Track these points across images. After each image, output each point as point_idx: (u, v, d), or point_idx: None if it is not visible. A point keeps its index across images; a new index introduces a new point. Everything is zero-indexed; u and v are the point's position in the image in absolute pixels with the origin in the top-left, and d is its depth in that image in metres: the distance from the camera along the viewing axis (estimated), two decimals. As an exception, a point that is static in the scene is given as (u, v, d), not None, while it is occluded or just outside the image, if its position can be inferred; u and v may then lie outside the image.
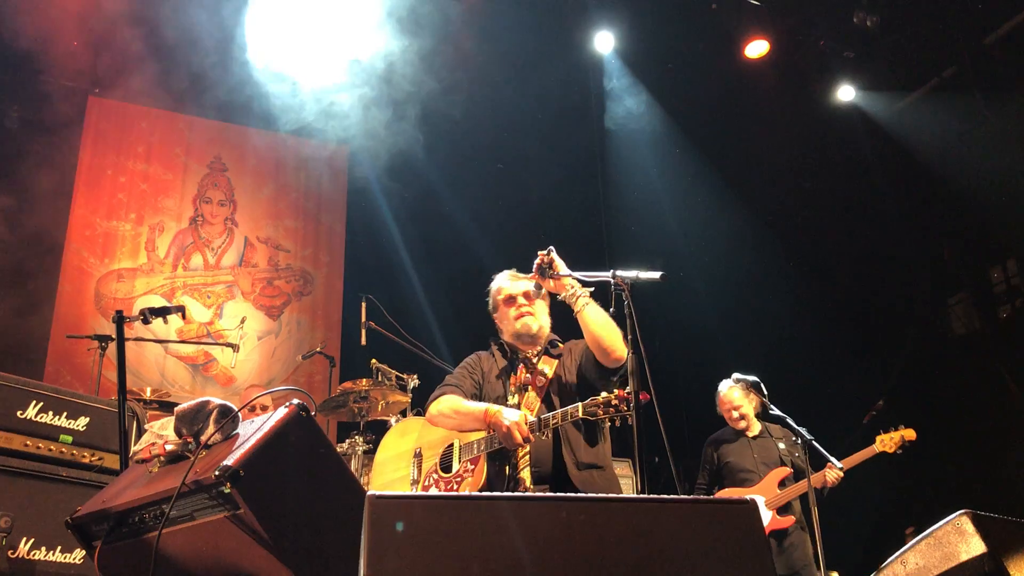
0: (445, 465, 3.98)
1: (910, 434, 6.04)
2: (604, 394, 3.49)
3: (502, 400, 4.01)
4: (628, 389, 3.38)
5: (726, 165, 9.60)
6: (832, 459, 5.55)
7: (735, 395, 6.46)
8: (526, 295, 4.12)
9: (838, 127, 9.51)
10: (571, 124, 9.89)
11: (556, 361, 4.12)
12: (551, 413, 3.66)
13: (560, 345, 4.22)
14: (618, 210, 10.19)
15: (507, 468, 3.82)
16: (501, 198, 9.42)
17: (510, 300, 4.16)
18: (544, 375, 4.03)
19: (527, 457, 3.80)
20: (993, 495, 7.79)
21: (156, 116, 9.71)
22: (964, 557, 2.03)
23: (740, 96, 9.61)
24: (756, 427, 6.51)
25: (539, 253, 3.87)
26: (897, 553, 2.20)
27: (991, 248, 8.93)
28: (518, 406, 3.93)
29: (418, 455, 4.14)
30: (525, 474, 3.79)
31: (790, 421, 5.42)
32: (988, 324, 8.90)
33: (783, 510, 6.05)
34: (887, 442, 6.04)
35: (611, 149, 10.24)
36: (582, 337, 3.91)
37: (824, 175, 9.47)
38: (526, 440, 3.63)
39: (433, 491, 3.91)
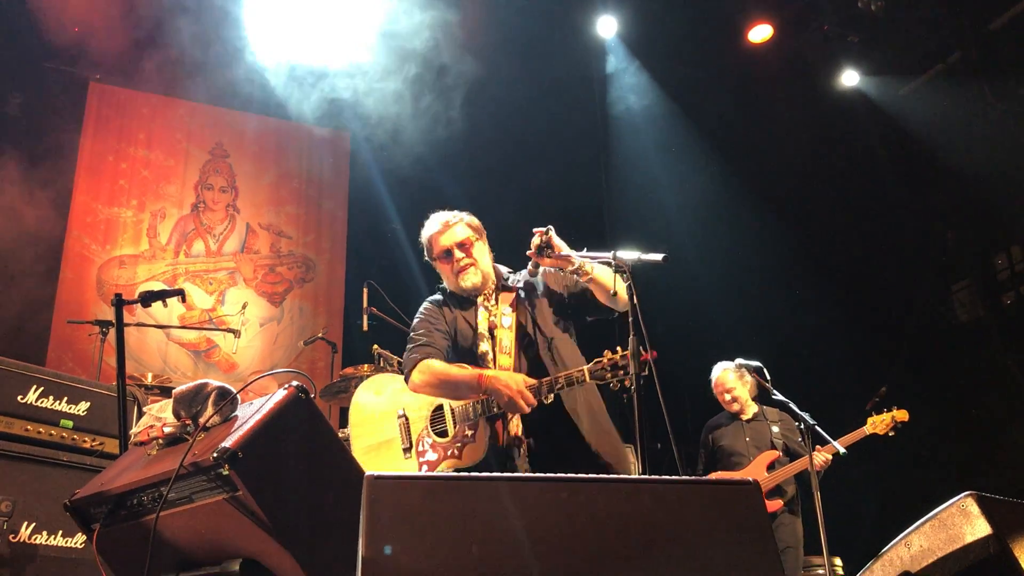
0: (439, 430, 3.80)
1: (902, 415, 6.03)
2: (608, 354, 3.43)
3: (474, 349, 3.85)
4: (620, 353, 3.34)
5: (728, 150, 9.55)
6: (836, 444, 5.55)
7: (728, 377, 6.53)
8: (461, 246, 3.94)
9: (842, 112, 9.46)
10: (574, 109, 9.85)
11: (512, 294, 3.96)
12: (555, 376, 3.54)
13: (510, 277, 4.08)
14: (619, 194, 10.15)
15: (507, 432, 3.70)
16: (502, 182, 9.37)
17: (446, 255, 3.98)
18: (506, 314, 3.88)
19: (529, 421, 3.68)
20: (996, 480, 7.78)
21: (157, 102, 9.68)
22: (969, 539, 2.01)
23: (743, 81, 9.57)
24: (750, 410, 6.56)
25: (536, 231, 3.73)
26: (901, 535, 2.18)
27: (995, 235, 8.89)
28: (493, 352, 3.80)
29: (403, 416, 3.91)
30: (524, 441, 3.69)
31: (792, 406, 5.40)
32: (992, 311, 8.87)
33: (772, 493, 6.07)
34: (879, 424, 6.02)
35: (613, 134, 10.20)
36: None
37: (827, 160, 9.42)
38: (531, 407, 3.52)
39: (431, 457, 3.76)
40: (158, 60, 9.04)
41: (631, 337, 3.27)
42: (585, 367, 3.49)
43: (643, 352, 3.29)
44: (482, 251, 4.03)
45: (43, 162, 8.50)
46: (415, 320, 4.09)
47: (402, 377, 3.98)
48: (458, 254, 3.94)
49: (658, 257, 3.42)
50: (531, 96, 9.31)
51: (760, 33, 8.97)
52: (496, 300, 3.95)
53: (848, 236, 9.32)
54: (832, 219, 9.37)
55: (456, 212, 4.10)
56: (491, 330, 3.87)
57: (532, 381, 3.56)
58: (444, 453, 3.74)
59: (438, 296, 4.16)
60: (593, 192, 10.34)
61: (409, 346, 3.96)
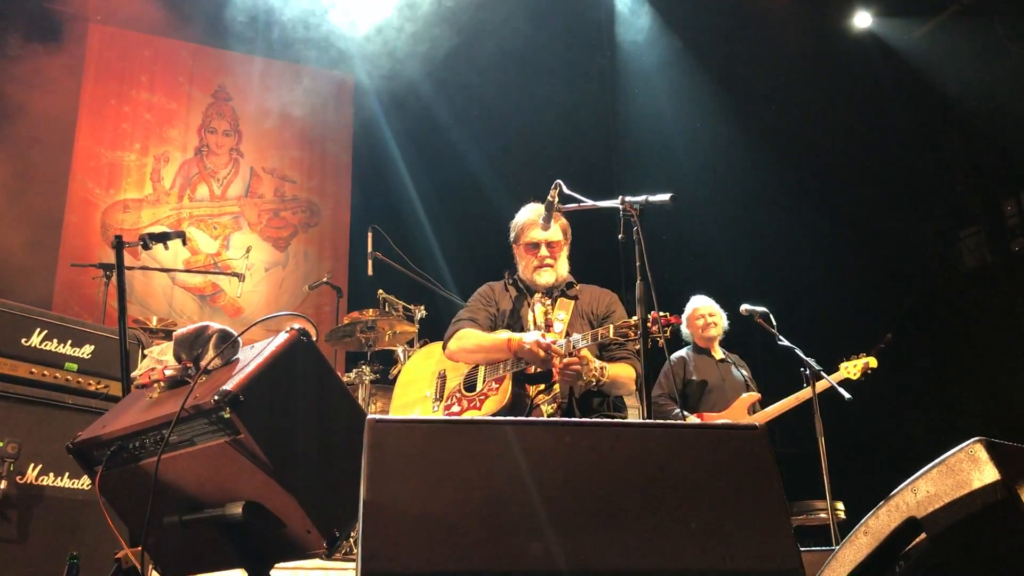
0: (469, 385, 4.00)
1: (872, 362, 6.03)
2: (635, 317, 3.48)
3: None
4: (661, 312, 3.39)
5: (738, 92, 9.43)
6: (841, 389, 5.54)
7: (713, 306, 6.48)
8: (550, 245, 4.12)
9: (854, 54, 9.31)
10: (580, 52, 9.73)
11: (572, 303, 4.15)
12: (580, 335, 3.69)
13: (576, 286, 4.25)
14: (627, 138, 10.07)
15: (529, 394, 3.86)
16: (508, 126, 9.28)
17: (533, 247, 4.16)
18: (560, 320, 4.07)
19: (554, 386, 3.85)
20: (1003, 426, 7.79)
21: (159, 44, 9.57)
22: (976, 484, 1.99)
23: (754, 21, 9.41)
24: (719, 352, 6.52)
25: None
26: (907, 481, 2.16)
27: (1005, 180, 8.79)
28: None
29: (442, 376, 4.17)
30: (545, 407, 3.83)
31: (799, 351, 5.39)
32: (1000, 257, 8.80)
33: None
34: (851, 368, 6.02)
35: (621, 76, 10.08)
36: (597, 285, 4.12)
37: (838, 103, 9.28)
38: (547, 354, 3.66)
39: (455, 409, 3.94)
40: (159, 1, 8.91)
41: (638, 282, 3.26)
42: (611, 325, 3.59)
43: (667, 315, 3.41)
44: (564, 256, 4.24)
45: (44, 105, 8.41)
46: (472, 297, 4.35)
47: None
48: (544, 251, 4.14)
49: (665, 198, 3.40)
50: (537, 39, 9.17)
51: (772, -27, 8.81)
52: (554, 304, 4.16)
53: (857, 180, 9.21)
54: (841, 162, 9.26)
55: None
56: (547, 327, 4.07)
57: (560, 341, 3.72)
58: (468, 404, 3.92)
59: (502, 281, 4.36)
60: (600, 135, 10.24)
61: (454, 320, 4.22)
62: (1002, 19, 8.40)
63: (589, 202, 3.76)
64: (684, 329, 6.59)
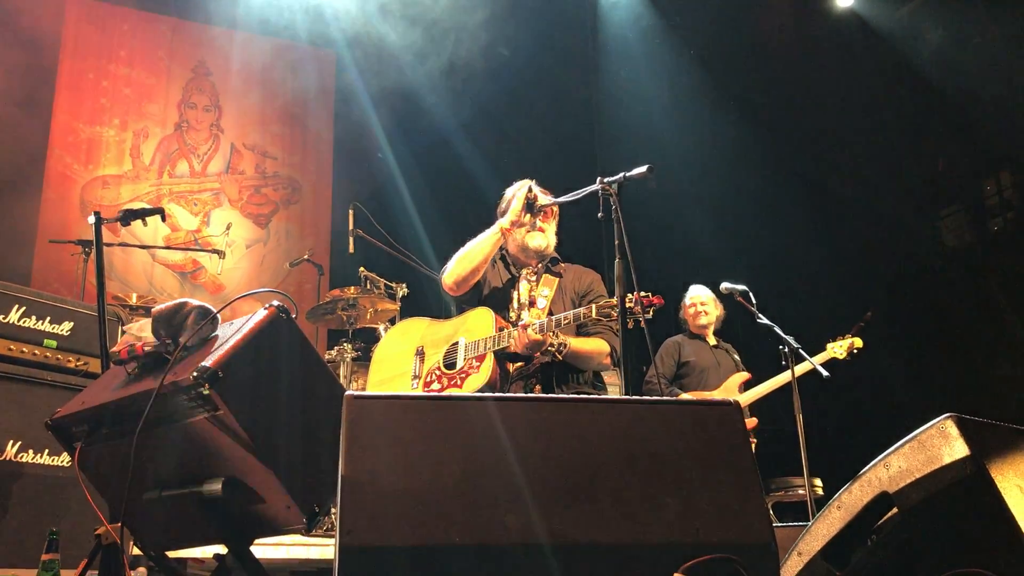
0: (449, 362, 3.99)
1: (858, 342, 6.13)
2: (615, 297, 3.49)
3: (504, 314, 4.08)
4: (643, 292, 3.41)
5: (719, 71, 9.42)
6: (819, 367, 5.59)
7: (708, 294, 6.63)
8: (545, 212, 4.16)
9: (836, 33, 9.31)
10: (564, 31, 9.69)
11: (556, 280, 4.18)
12: (563, 314, 3.72)
13: (561, 263, 4.28)
14: (609, 117, 10.05)
15: (509, 371, 3.90)
16: (490, 104, 9.24)
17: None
18: (544, 296, 4.10)
19: (532, 362, 3.90)
20: (979, 403, 7.87)
21: (137, 18, 9.46)
22: (947, 460, 2.02)
23: (737, 2, 9.39)
24: (712, 339, 6.65)
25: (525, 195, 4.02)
26: (880, 456, 2.19)
27: (985, 160, 8.84)
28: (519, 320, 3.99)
29: (420, 352, 4.15)
30: (523, 383, 3.86)
31: (778, 330, 5.44)
32: (979, 237, 8.86)
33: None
34: (837, 348, 6.11)
35: (603, 54, 10.05)
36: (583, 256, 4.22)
37: (820, 82, 9.30)
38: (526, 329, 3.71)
39: (435, 387, 3.95)
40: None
41: (617, 260, 3.27)
42: (594, 304, 3.64)
43: (650, 295, 3.45)
44: (553, 227, 4.28)
45: (21, 79, 8.31)
46: None
47: (431, 319, 4.30)
48: (529, 212, 4.15)
49: (643, 169, 3.41)
50: (521, 17, 9.12)
51: (755, -50, 8.79)
52: (539, 281, 4.19)
53: (838, 158, 9.25)
54: (822, 141, 9.29)
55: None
56: (527, 303, 4.11)
57: (541, 320, 3.76)
58: (448, 383, 3.92)
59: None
60: (583, 114, 10.23)
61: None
62: (983, 0, 8.43)
63: (566, 196, 3.87)
64: (681, 316, 6.74)
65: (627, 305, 3.37)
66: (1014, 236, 8.43)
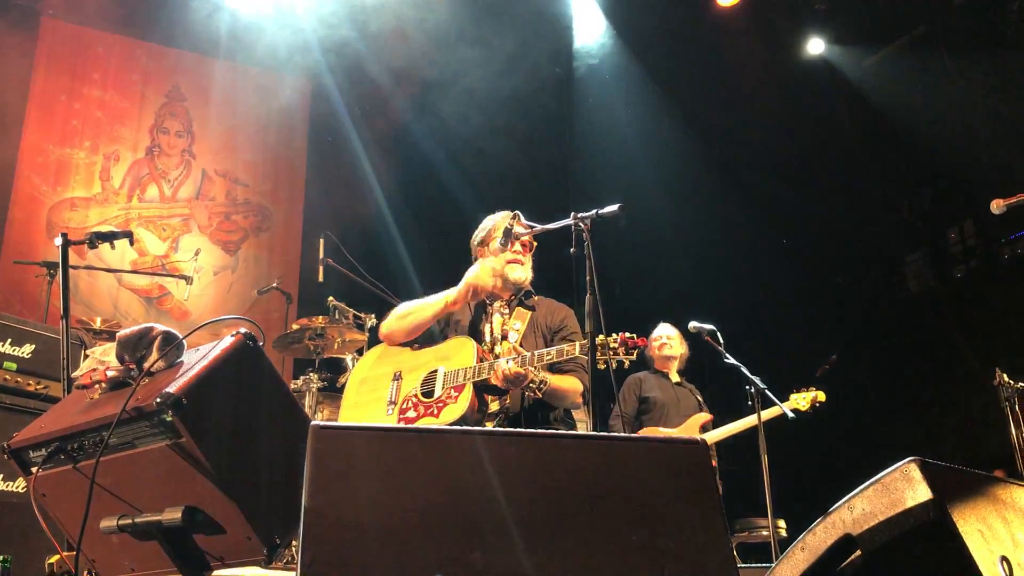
0: (427, 390, 3.92)
1: (821, 396, 6.20)
2: (601, 336, 3.49)
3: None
4: (628, 333, 3.41)
5: (694, 114, 9.55)
6: (785, 408, 5.62)
7: (673, 332, 6.68)
8: (524, 244, 4.15)
9: (806, 80, 9.48)
10: (539, 66, 9.76)
11: (529, 313, 4.15)
12: (547, 349, 3.68)
13: (534, 296, 4.26)
14: (583, 156, 10.14)
15: (488, 403, 3.86)
16: (465, 136, 9.28)
17: (505, 244, 4.15)
18: (516, 330, 4.07)
19: (508, 398, 3.87)
20: (941, 447, 7.96)
21: (112, 41, 9.43)
22: (910, 503, 2.03)
23: (710, 44, 9.54)
24: (676, 376, 6.68)
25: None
26: (844, 499, 2.20)
27: (950, 208, 8.99)
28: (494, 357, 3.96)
29: (398, 377, 4.07)
30: (489, 423, 3.83)
31: (745, 370, 5.46)
32: (943, 283, 9.00)
33: None
34: (799, 400, 6.15)
35: (578, 93, 10.15)
36: (553, 299, 4.18)
37: (791, 127, 9.45)
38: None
39: (411, 414, 3.87)
40: (114, -2, 8.81)
41: (588, 296, 3.28)
42: (577, 343, 3.61)
43: (634, 337, 3.46)
44: (530, 261, 4.27)
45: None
46: None
47: (411, 346, 4.20)
48: (518, 247, 4.15)
49: (614, 208, 3.45)
50: (496, 46, 9.19)
51: (729, -4, 8.95)
52: (511, 313, 4.17)
53: (808, 203, 9.38)
54: (791, 185, 9.42)
55: None
56: (499, 338, 4.08)
57: (526, 353, 3.71)
58: (424, 411, 3.85)
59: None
60: (557, 151, 10.31)
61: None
62: (950, 51, 8.61)
63: (543, 226, 3.88)
64: (646, 353, 6.78)
65: (612, 346, 3.37)
66: (977, 283, 8.57)
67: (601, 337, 3.45)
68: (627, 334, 3.40)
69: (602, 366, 3.49)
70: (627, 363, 3.40)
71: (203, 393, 2.24)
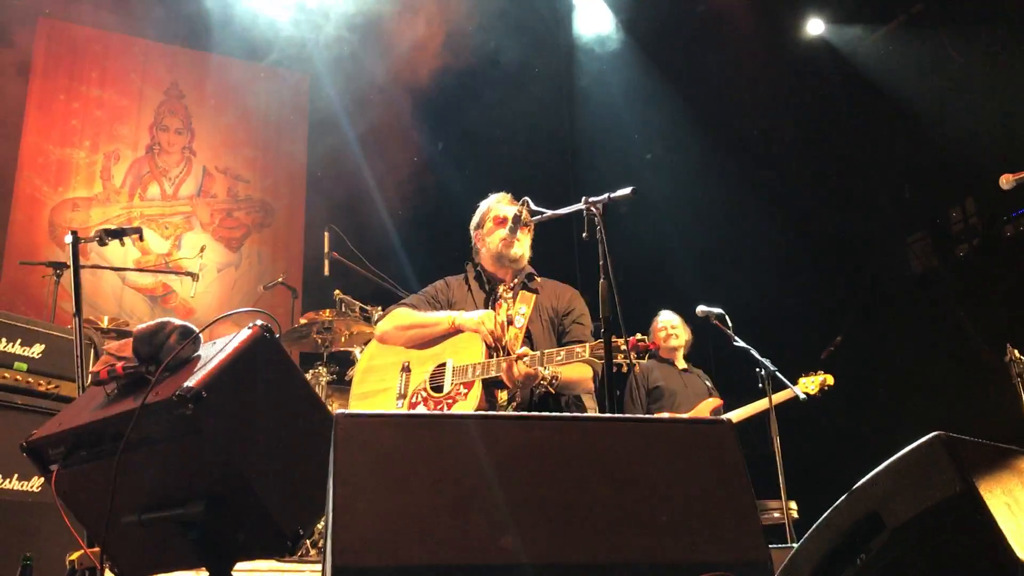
0: (435, 385, 3.91)
1: (829, 379, 6.17)
2: (613, 339, 3.45)
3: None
4: (638, 336, 3.40)
5: (694, 96, 9.52)
6: (796, 390, 5.62)
7: (676, 320, 6.67)
8: (516, 220, 4.08)
9: (806, 60, 9.45)
10: (540, 50, 9.75)
11: (533, 297, 4.13)
12: (555, 349, 3.66)
13: (537, 279, 4.24)
14: (586, 140, 10.12)
15: (497, 399, 3.84)
16: (468, 126, 9.26)
17: (501, 221, 4.16)
18: (522, 314, 4.04)
19: (518, 396, 3.85)
20: (953, 428, 7.93)
21: (110, 40, 9.39)
22: (936, 478, 2.03)
23: (709, 25, 9.52)
24: (682, 363, 6.72)
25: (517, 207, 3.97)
26: (869, 475, 2.19)
27: (951, 187, 8.97)
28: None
29: (406, 369, 4.04)
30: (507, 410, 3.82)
31: (754, 352, 5.46)
32: (945, 263, 8.98)
33: None
34: (808, 384, 6.14)
35: (579, 77, 10.14)
36: (558, 279, 4.18)
37: (791, 108, 9.42)
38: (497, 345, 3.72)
39: (420, 409, 3.85)
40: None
41: (601, 281, 3.27)
42: (588, 344, 3.59)
43: (646, 340, 3.42)
44: (527, 240, 4.25)
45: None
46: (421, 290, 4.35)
47: None
48: (512, 224, 4.10)
49: (627, 191, 3.44)
50: (497, 41, 9.17)
51: (728, -23, 8.94)
52: (515, 298, 4.14)
53: (808, 183, 9.36)
54: (792, 166, 9.40)
55: None
56: (508, 323, 4.03)
57: (535, 352, 3.69)
58: (433, 406, 3.82)
59: (462, 275, 4.34)
60: (560, 137, 10.29)
61: (391, 306, 4.26)
62: (948, 30, 8.59)
63: (553, 212, 3.83)
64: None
65: (622, 348, 3.36)
66: (979, 261, 8.56)
67: (612, 338, 3.43)
68: (638, 336, 3.38)
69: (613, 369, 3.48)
70: (637, 368, 3.40)
71: (222, 386, 2.24)
